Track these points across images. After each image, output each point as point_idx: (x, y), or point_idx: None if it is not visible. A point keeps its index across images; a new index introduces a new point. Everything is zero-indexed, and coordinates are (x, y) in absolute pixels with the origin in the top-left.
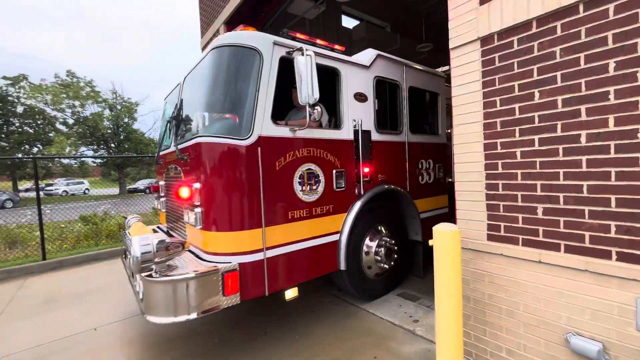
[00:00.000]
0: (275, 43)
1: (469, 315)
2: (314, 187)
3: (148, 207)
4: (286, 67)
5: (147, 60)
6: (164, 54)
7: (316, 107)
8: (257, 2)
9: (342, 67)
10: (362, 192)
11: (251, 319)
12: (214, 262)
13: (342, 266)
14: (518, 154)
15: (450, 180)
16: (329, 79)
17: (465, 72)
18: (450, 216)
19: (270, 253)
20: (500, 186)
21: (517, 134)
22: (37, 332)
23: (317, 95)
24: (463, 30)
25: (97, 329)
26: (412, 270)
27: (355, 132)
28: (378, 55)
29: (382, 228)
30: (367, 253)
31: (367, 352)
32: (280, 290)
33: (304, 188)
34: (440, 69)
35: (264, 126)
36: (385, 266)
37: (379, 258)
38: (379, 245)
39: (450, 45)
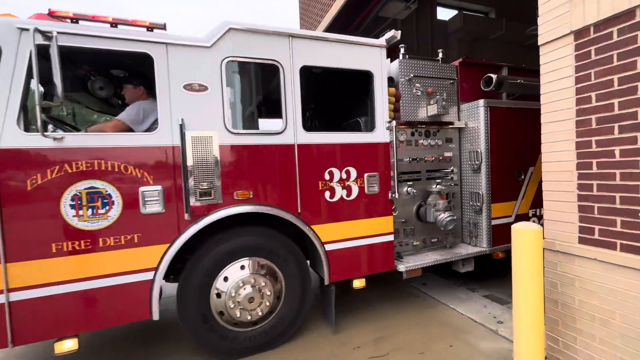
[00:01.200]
0: (22, 29)
1: (557, 320)
2: (102, 211)
3: None
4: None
5: None
6: None
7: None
8: (352, 10)
9: (158, 51)
10: (190, 217)
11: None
12: None
13: (155, 315)
14: (617, 153)
15: (394, 195)
16: (144, 68)
17: (556, 68)
18: (396, 245)
19: (19, 296)
20: (594, 187)
21: (616, 131)
22: None
23: (59, 93)
24: (554, 25)
25: None
26: (324, 314)
27: (188, 138)
28: (230, 29)
29: (254, 263)
30: (219, 296)
31: (443, 339)
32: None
33: (81, 212)
34: (384, 37)
35: (4, 135)
36: (255, 314)
37: (234, 306)
38: (236, 288)
39: (540, 42)
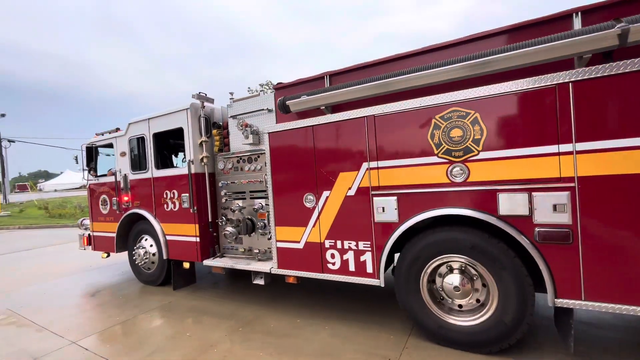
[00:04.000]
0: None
1: None
2: (106, 207)
3: None
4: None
5: None
6: None
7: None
8: None
9: (114, 140)
10: (122, 212)
11: None
12: None
13: (115, 251)
14: None
15: (193, 210)
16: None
17: None
18: (202, 245)
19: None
20: None
21: None
22: None
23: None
24: None
25: None
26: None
27: (121, 177)
28: (130, 124)
29: (145, 239)
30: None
31: None
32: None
33: (102, 206)
34: (194, 100)
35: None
36: (147, 263)
37: (139, 258)
38: (135, 250)
39: None
